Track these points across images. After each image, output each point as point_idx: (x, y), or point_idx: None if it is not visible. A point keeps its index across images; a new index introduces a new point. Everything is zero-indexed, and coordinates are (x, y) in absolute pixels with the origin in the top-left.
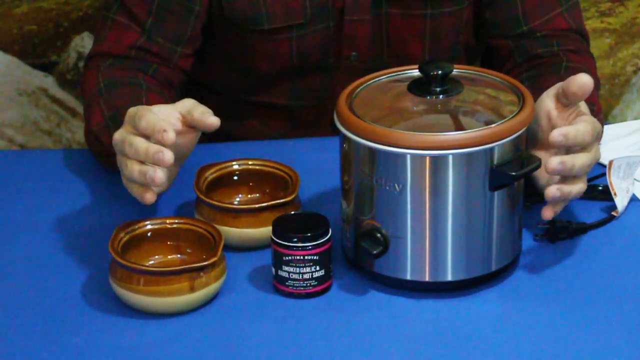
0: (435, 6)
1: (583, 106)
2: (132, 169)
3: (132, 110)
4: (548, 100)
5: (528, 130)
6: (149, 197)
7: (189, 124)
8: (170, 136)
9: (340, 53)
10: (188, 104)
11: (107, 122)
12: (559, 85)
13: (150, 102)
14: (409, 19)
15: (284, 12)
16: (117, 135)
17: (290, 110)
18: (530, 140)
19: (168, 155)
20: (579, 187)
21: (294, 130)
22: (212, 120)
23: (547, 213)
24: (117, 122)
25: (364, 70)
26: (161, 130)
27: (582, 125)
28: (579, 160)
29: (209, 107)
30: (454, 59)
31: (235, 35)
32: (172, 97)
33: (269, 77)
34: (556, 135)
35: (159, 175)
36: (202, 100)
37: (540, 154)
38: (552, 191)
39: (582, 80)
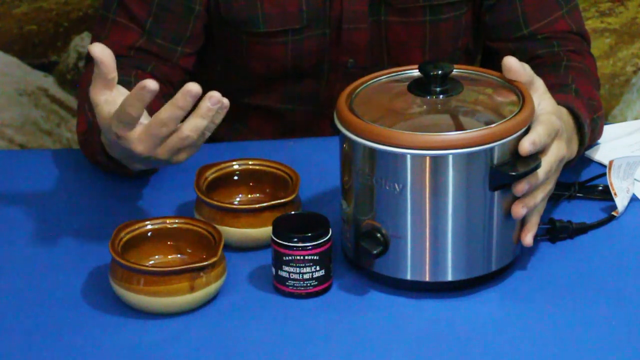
0: (434, 13)
1: (544, 105)
2: (188, 129)
3: (113, 127)
4: None
5: None
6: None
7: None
8: (151, 84)
9: (337, 59)
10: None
11: (89, 130)
12: None
13: None
14: (408, 26)
15: (281, 16)
16: (140, 145)
17: (283, 114)
18: None
19: (153, 85)
20: (542, 193)
21: (286, 136)
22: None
23: (527, 239)
24: (93, 128)
25: (360, 77)
26: (142, 87)
27: (539, 128)
28: (538, 196)
29: None
30: (453, 63)
31: (231, 36)
32: (169, 92)
33: (263, 80)
34: (527, 146)
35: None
36: (198, 100)
37: None
38: (518, 211)
39: (507, 63)
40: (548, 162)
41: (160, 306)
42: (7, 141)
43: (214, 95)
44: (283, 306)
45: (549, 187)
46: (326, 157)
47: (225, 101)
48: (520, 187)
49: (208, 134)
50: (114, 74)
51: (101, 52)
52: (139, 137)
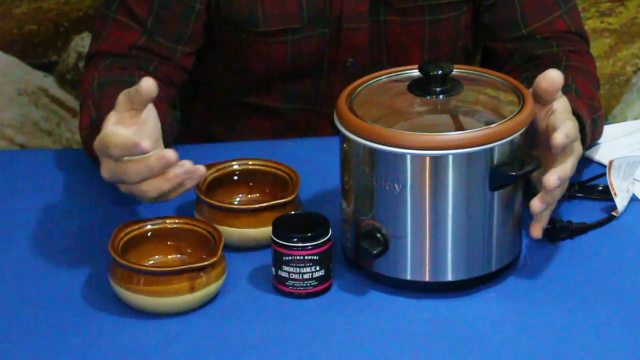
0: (433, 13)
1: (561, 104)
2: (149, 187)
3: (96, 143)
4: None
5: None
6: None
7: (136, 106)
8: (145, 145)
9: (337, 59)
10: (120, 98)
11: (92, 124)
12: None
13: None
14: (408, 25)
15: (281, 15)
16: (106, 173)
17: (283, 113)
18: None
19: (171, 153)
20: (560, 191)
21: (285, 135)
22: (146, 84)
23: (536, 232)
24: (99, 124)
25: (360, 76)
26: (134, 145)
27: (567, 126)
28: (569, 165)
29: (204, 107)
30: (452, 63)
31: (231, 36)
32: (170, 94)
33: (263, 79)
34: (559, 141)
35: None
36: (198, 99)
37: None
38: (537, 205)
39: (552, 76)
40: (573, 161)
41: (160, 306)
42: (7, 141)
43: (185, 164)
44: (283, 306)
45: (565, 186)
46: (326, 157)
47: (202, 170)
48: (552, 181)
49: (175, 195)
50: (138, 107)
51: (152, 86)
52: (106, 164)
